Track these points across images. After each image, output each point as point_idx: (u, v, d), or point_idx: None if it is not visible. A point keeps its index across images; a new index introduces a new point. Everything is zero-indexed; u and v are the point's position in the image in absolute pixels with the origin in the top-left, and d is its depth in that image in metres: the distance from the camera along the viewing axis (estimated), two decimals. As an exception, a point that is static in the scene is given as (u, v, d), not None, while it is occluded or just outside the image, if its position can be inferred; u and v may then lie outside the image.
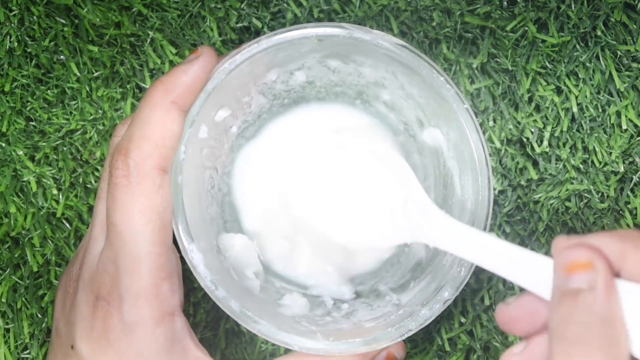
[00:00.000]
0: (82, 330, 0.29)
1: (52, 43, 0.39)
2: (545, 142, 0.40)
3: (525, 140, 0.40)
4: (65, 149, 0.40)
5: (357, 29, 0.30)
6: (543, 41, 0.39)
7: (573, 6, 0.39)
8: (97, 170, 0.40)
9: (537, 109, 0.40)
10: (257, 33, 0.40)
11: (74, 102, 0.40)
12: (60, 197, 0.39)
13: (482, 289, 0.40)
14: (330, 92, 0.37)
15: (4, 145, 0.40)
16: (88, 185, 0.40)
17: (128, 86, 0.40)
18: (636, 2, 0.40)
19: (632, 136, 0.40)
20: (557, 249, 0.25)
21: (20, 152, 0.40)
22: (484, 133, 0.35)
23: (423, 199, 0.31)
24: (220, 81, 0.30)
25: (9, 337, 0.39)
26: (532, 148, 0.40)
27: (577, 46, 0.40)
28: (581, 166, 0.40)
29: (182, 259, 0.30)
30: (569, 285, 0.24)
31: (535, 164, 0.40)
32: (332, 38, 0.30)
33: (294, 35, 0.30)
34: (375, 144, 0.35)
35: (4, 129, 0.40)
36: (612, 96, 0.40)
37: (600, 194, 0.40)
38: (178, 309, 0.30)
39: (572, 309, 0.23)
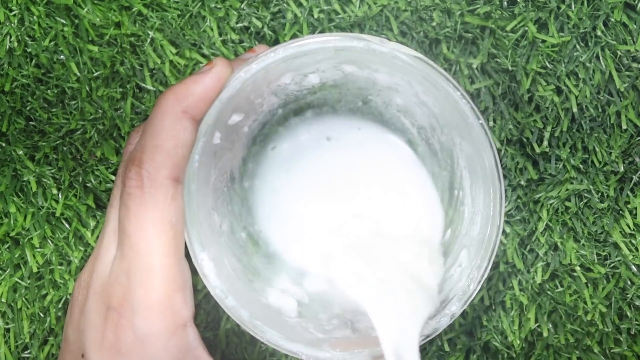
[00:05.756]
0: (93, 340, 0.29)
1: (52, 43, 0.39)
2: (545, 142, 0.40)
3: (525, 140, 0.40)
4: (65, 148, 0.40)
5: (374, 40, 0.30)
6: (543, 41, 0.39)
7: (573, 6, 0.39)
8: (97, 170, 0.40)
9: (537, 109, 0.40)
10: (257, 33, 0.40)
11: (74, 102, 0.40)
12: (60, 196, 0.39)
13: (482, 290, 0.40)
14: (343, 96, 0.37)
15: (4, 145, 0.40)
16: (87, 185, 0.40)
17: (128, 86, 0.40)
18: (636, 2, 0.39)
19: (632, 136, 0.40)
20: None
21: (20, 152, 0.40)
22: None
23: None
24: (236, 90, 0.30)
25: (9, 337, 0.39)
26: (532, 148, 0.40)
27: (577, 46, 0.39)
28: (581, 166, 0.40)
29: (192, 267, 0.30)
30: None
31: (535, 164, 0.40)
32: (350, 49, 0.30)
33: (311, 46, 0.30)
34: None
35: (4, 129, 0.39)
36: (612, 96, 0.40)
37: (600, 194, 0.40)
38: (190, 320, 0.30)
39: None
